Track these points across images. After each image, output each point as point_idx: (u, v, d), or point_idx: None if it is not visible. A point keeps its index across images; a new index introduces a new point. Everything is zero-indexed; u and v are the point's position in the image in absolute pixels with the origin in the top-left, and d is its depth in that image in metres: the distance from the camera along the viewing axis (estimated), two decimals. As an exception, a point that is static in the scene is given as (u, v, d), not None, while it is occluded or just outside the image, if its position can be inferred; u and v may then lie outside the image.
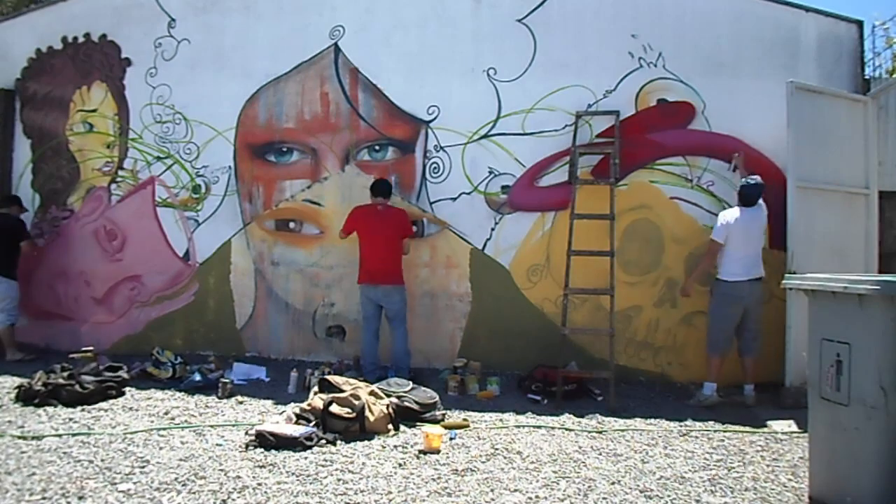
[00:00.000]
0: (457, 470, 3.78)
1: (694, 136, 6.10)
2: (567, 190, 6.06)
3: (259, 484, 3.50)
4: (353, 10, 6.58)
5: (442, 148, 6.43)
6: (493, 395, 5.55)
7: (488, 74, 6.34)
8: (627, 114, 6.14)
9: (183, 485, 3.49)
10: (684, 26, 6.11)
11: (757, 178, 5.50)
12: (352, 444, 4.17)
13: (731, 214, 5.46)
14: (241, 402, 5.21)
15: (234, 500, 3.32)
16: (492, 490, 3.51)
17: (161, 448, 4.08)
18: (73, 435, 4.29)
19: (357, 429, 4.32)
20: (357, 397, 4.44)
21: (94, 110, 7.14)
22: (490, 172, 6.36)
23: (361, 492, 3.44)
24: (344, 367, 6.06)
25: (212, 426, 4.56)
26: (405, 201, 6.45)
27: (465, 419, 4.80)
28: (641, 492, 3.54)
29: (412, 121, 6.48)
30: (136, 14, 7.00)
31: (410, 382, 5.06)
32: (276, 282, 6.79)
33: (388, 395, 4.74)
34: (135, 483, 3.50)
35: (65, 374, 5.27)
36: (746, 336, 5.44)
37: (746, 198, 5.45)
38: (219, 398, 5.29)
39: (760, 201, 5.49)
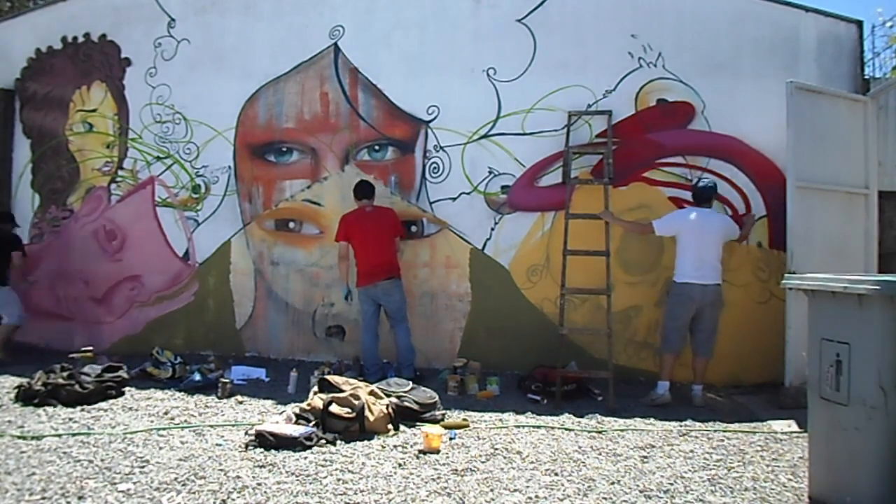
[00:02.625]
0: (457, 470, 3.78)
1: (694, 136, 6.10)
2: (567, 189, 6.06)
3: (259, 484, 3.50)
4: (353, 10, 6.59)
5: (442, 148, 6.44)
6: (493, 395, 5.55)
7: (488, 74, 6.34)
8: (627, 114, 6.15)
9: (183, 485, 3.49)
10: (684, 26, 6.11)
11: (710, 179, 5.57)
12: (351, 444, 4.17)
13: (686, 213, 5.54)
14: (240, 402, 5.21)
15: (233, 500, 3.32)
16: (492, 490, 3.51)
17: (161, 448, 4.07)
18: (73, 435, 4.28)
19: (357, 429, 4.32)
20: (357, 397, 4.44)
21: (93, 110, 7.14)
22: (490, 172, 6.36)
23: (361, 492, 3.44)
24: (344, 367, 6.06)
25: (211, 426, 4.55)
26: (405, 201, 6.46)
27: (464, 419, 4.80)
28: (641, 492, 3.54)
29: (412, 121, 6.48)
30: (136, 14, 7.01)
31: (410, 382, 5.06)
32: (275, 282, 6.79)
33: (388, 395, 4.73)
34: (134, 483, 3.50)
35: (64, 374, 5.26)
36: (699, 337, 5.46)
37: (697, 197, 5.54)
38: (218, 398, 5.28)
39: (725, 217, 5.58)
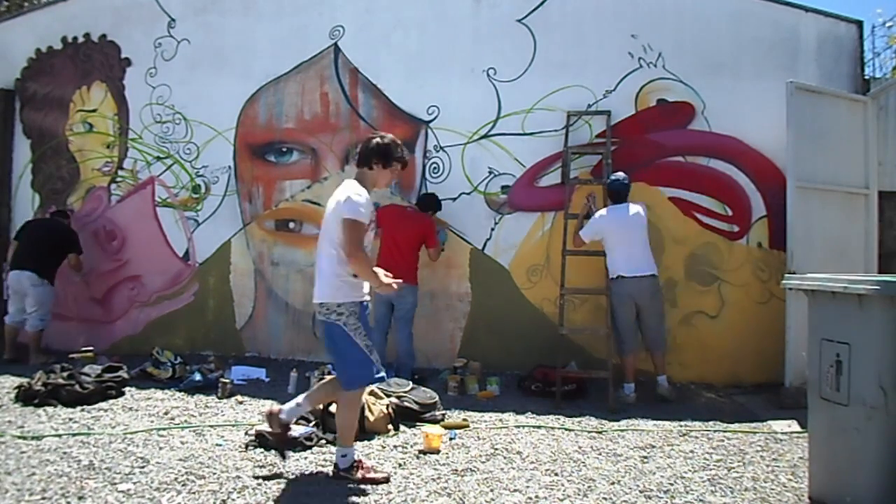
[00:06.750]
0: (457, 470, 3.78)
1: (694, 137, 6.11)
2: (567, 190, 6.06)
3: (259, 484, 3.50)
4: (353, 10, 6.59)
5: (442, 148, 6.44)
6: (493, 395, 5.56)
7: (488, 74, 6.34)
8: (627, 114, 6.15)
9: (183, 485, 3.49)
10: (684, 26, 6.11)
11: (619, 175, 5.57)
12: (352, 445, 4.17)
13: (599, 214, 5.56)
14: (240, 402, 5.21)
15: (233, 500, 3.32)
16: (492, 490, 3.51)
17: (161, 448, 4.08)
18: (73, 435, 4.28)
19: (357, 429, 4.31)
20: (357, 397, 4.44)
21: (94, 110, 7.14)
22: (490, 172, 6.36)
23: (361, 492, 3.44)
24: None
25: (212, 426, 4.56)
26: (405, 201, 6.46)
27: (464, 419, 4.80)
28: (641, 492, 3.54)
29: (412, 121, 6.48)
30: (136, 14, 7.01)
31: (410, 382, 5.06)
32: (275, 282, 6.79)
33: (388, 395, 4.73)
34: (135, 483, 3.49)
35: (65, 374, 5.26)
36: (648, 333, 5.50)
37: (612, 194, 5.55)
38: (219, 398, 5.29)
39: (638, 206, 5.53)
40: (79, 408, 4.90)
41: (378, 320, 5.97)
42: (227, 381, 5.47)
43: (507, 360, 6.22)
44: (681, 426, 4.79)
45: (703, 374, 5.90)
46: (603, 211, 5.56)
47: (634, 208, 5.53)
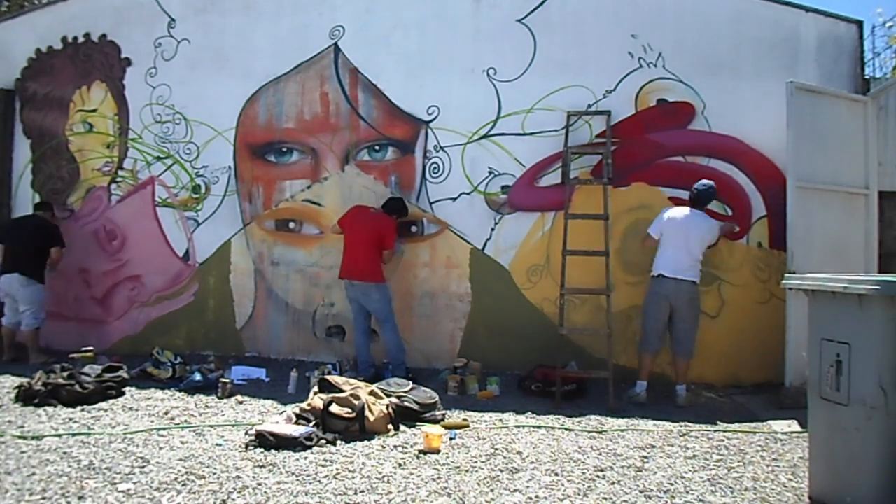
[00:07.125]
0: (457, 470, 3.78)
1: (694, 137, 6.11)
2: (567, 190, 6.07)
3: (259, 484, 3.50)
4: (353, 10, 6.59)
5: (442, 148, 6.44)
6: (493, 395, 5.56)
7: (488, 74, 6.34)
8: (627, 114, 6.15)
9: (183, 485, 3.49)
10: (684, 26, 6.11)
11: (706, 182, 5.56)
12: (352, 444, 4.17)
13: (670, 211, 5.57)
14: (240, 402, 5.21)
15: (234, 500, 3.32)
16: (492, 490, 3.51)
17: (161, 448, 4.08)
18: (73, 435, 4.28)
19: (357, 429, 4.32)
20: (357, 397, 4.44)
21: (94, 110, 7.14)
22: (490, 172, 6.36)
23: (361, 492, 3.44)
24: (344, 367, 6.06)
25: (212, 426, 4.55)
26: (408, 201, 6.45)
27: (464, 419, 4.80)
28: (641, 492, 3.54)
29: (412, 121, 6.48)
30: (136, 14, 7.01)
31: (410, 382, 5.07)
32: (276, 282, 6.79)
33: (388, 395, 4.74)
34: (135, 483, 3.49)
35: (65, 374, 5.26)
36: (676, 336, 5.49)
37: (694, 199, 5.54)
38: (219, 398, 5.29)
39: (711, 221, 5.53)
40: (79, 408, 4.90)
41: (354, 318, 6.09)
42: (227, 381, 5.47)
43: (507, 360, 6.22)
44: (681, 426, 4.79)
45: (703, 374, 5.90)
46: (677, 210, 5.55)
47: (704, 219, 5.50)
